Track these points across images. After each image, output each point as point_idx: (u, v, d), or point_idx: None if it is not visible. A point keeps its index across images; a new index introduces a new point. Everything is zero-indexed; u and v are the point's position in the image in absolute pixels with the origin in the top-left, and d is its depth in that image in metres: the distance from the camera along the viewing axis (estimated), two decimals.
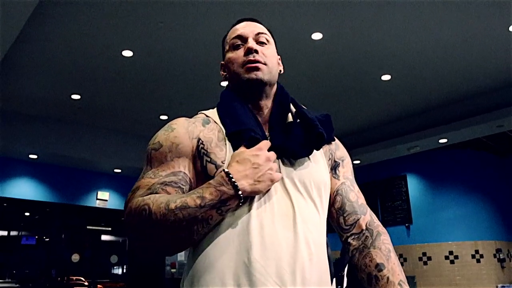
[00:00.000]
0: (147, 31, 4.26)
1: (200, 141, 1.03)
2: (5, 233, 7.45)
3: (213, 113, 1.12)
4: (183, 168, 1.01)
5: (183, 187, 0.99)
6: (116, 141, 6.93)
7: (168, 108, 6.10)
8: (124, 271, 8.40)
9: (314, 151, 1.08)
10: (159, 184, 0.97)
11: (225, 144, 1.02)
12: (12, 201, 6.67)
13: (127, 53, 4.63)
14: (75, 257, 7.48)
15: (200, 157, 1.01)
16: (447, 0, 3.84)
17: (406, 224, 7.24)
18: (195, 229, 0.91)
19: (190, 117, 1.13)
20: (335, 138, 1.21)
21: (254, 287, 0.90)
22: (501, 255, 6.69)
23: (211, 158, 1.00)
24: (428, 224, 7.05)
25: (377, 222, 1.13)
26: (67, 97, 5.70)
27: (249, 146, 0.98)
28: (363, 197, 1.17)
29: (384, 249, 1.05)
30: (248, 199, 0.96)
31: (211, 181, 0.93)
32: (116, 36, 4.33)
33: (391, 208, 7.46)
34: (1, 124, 5.95)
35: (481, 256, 6.62)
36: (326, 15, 4.07)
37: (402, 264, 7.10)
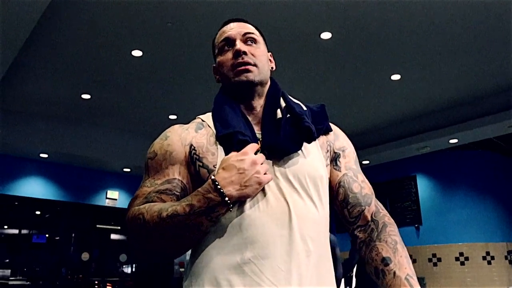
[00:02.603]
0: (156, 31, 4.28)
1: (192, 147, 1.05)
2: (16, 231, 7.52)
3: (208, 117, 1.13)
4: (177, 175, 1.03)
5: (178, 193, 1.02)
6: (126, 140, 6.96)
7: (177, 107, 6.12)
8: (133, 269, 8.44)
9: (306, 144, 1.06)
10: (154, 193, 1.01)
11: (217, 148, 1.03)
12: (23, 199, 6.74)
13: (137, 53, 4.65)
14: (85, 256, 7.54)
15: (193, 162, 1.03)
16: (456, 0, 3.81)
17: (416, 225, 7.19)
18: (187, 236, 0.93)
19: (188, 122, 1.14)
20: (334, 127, 1.18)
21: (247, 287, 0.90)
22: None
23: (203, 163, 1.02)
24: (438, 225, 6.99)
25: (383, 212, 1.10)
26: (78, 97, 5.74)
27: (238, 149, 0.98)
28: (369, 186, 1.14)
29: (390, 242, 1.03)
30: (237, 204, 0.96)
31: (199, 189, 0.93)
32: (126, 36, 4.36)
33: (401, 208, 7.41)
34: (12, 124, 6.02)
35: (492, 257, 6.55)
36: (335, 15, 4.05)
37: None
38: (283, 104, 1.12)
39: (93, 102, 5.94)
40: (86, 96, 5.74)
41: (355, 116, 6.42)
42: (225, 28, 1.16)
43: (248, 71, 1.07)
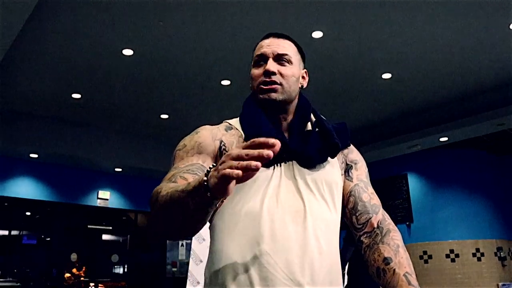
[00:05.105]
0: (147, 30, 4.26)
1: (223, 142, 1.13)
2: (6, 232, 7.45)
3: (235, 122, 1.21)
4: (202, 162, 1.09)
5: (200, 174, 1.03)
6: (117, 140, 6.92)
7: (169, 107, 6.09)
8: (125, 270, 8.40)
9: (329, 158, 1.16)
10: (178, 173, 1.05)
11: None
12: (13, 200, 6.68)
13: (128, 51, 4.62)
14: (76, 257, 7.49)
15: (221, 156, 1.10)
16: (449, 2, 3.84)
17: (407, 223, 7.23)
18: (177, 214, 0.89)
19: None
20: (351, 144, 1.28)
21: (264, 278, 0.97)
22: (502, 253, 6.68)
23: None
24: (429, 222, 7.05)
25: (388, 220, 1.18)
26: (68, 96, 5.69)
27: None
28: (377, 198, 1.22)
29: (392, 244, 1.09)
30: (258, 198, 1.04)
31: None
32: (116, 35, 4.33)
33: (392, 207, 7.45)
34: (2, 124, 5.95)
35: (482, 254, 6.61)
36: (327, 14, 4.06)
37: None
38: (313, 118, 1.22)
39: (84, 102, 5.90)
40: (76, 96, 5.70)
41: (346, 114, 6.45)
42: (262, 42, 1.23)
43: (273, 90, 1.14)
